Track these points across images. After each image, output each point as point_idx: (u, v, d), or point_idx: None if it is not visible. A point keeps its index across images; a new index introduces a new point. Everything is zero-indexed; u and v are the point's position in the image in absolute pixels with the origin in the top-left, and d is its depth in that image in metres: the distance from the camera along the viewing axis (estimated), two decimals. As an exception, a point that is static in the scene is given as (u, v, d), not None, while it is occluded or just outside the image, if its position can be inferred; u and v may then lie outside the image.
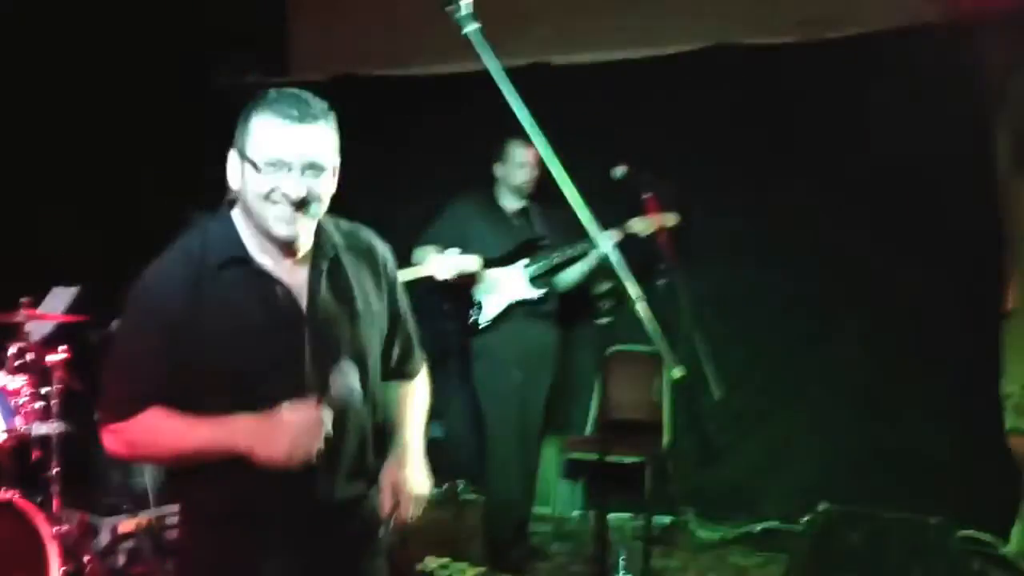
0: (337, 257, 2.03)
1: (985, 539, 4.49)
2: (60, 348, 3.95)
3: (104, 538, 4.27)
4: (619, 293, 2.39)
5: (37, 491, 3.84)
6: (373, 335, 2.06)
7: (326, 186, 1.93)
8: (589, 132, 4.79)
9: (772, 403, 4.97)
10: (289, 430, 1.83)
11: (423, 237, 4.44)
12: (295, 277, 1.98)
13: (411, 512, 2.09)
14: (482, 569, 4.39)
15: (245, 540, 1.96)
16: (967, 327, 4.66)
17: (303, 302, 1.97)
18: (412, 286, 4.22)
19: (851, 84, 4.75)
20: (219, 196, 4.29)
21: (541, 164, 4.32)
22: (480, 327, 4.42)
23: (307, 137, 1.87)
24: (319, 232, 2.00)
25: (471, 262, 4.30)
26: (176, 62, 5.59)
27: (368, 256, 2.10)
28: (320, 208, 1.94)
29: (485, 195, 4.59)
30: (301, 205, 1.88)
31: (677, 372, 2.25)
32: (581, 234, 2.50)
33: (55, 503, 3.93)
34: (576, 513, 5.25)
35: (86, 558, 3.90)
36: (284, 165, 1.86)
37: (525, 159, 4.46)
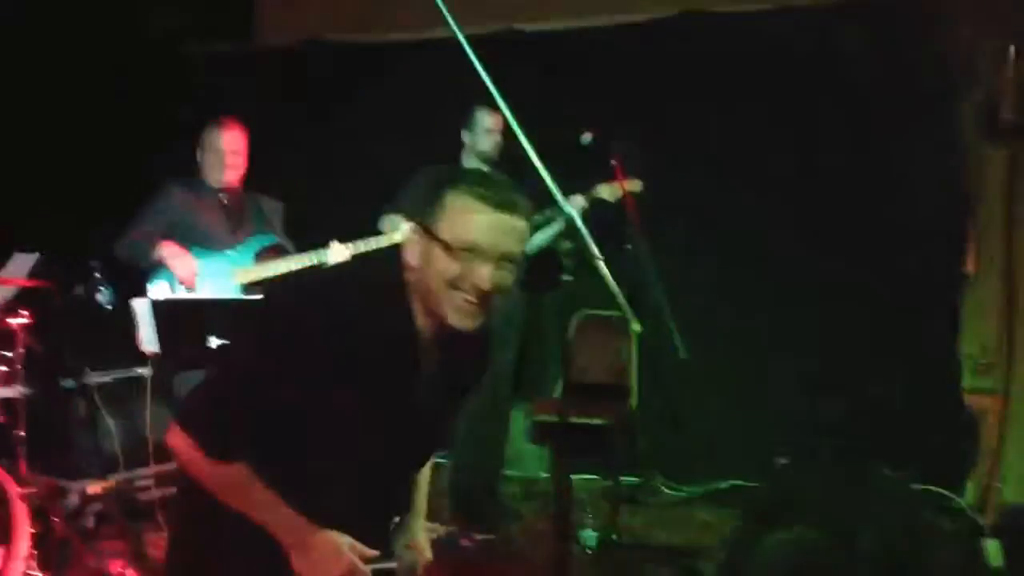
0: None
1: (942, 493, 4.61)
2: (21, 312, 3.92)
3: (73, 500, 4.24)
4: (580, 253, 2.39)
5: (4, 454, 3.82)
6: None
7: (512, 279, 1.81)
8: (558, 99, 4.79)
9: (736, 364, 5.03)
10: (337, 566, 1.75)
11: (391, 204, 4.40)
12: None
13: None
14: (452, 528, 4.47)
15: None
16: (929, 289, 4.75)
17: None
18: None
19: (818, 51, 4.78)
20: (183, 161, 4.29)
21: (508, 131, 4.35)
22: None
23: (511, 228, 1.75)
24: None
25: None
26: (142, 26, 5.51)
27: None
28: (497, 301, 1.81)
29: (454, 164, 4.57)
30: (486, 300, 1.77)
31: (636, 325, 2.28)
32: (549, 200, 2.51)
33: (22, 466, 3.92)
34: (545, 475, 5.30)
35: (54, 520, 3.90)
36: (474, 254, 1.73)
37: (491, 125, 4.45)
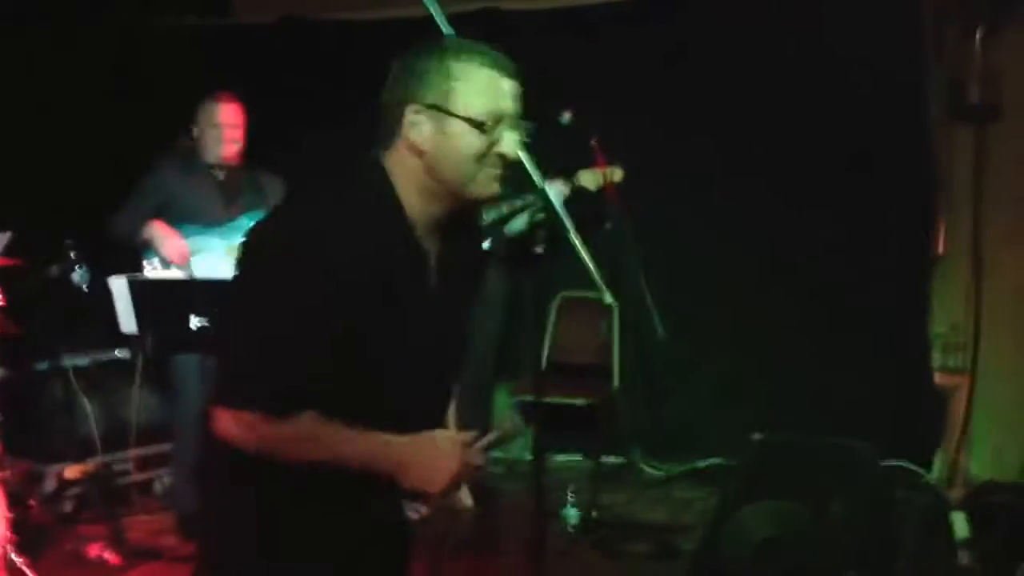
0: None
1: (911, 469, 4.72)
2: (-5, 292, 3.85)
3: (49, 484, 4.21)
4: (555, 228, 2.37)
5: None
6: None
7: None
8: (537, 78, 4.76)
9: (715, 345, 5.07)
10: (450, 461, 1.68)
11: None
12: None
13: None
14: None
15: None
16: (900, 268, 4.83)
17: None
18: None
19: (791, 25, 4.79)
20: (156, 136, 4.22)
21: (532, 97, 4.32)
22: None
23: (518, 91, 1.73)
24: None
25: None
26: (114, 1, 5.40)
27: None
28: None
29: None
30: (509, 165, 1.73)
31: (608, 298, 2.29)
32: (528, 183, 2.49)
33: (-2, 448, 3.87)
34: (528, 455, 5.30)
35: (31, 504, 3.87)
36: (499, 121, 1.69)
37: None
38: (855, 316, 4.83)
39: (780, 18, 4.80)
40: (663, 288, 4.75)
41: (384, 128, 1.74)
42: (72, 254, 4.06)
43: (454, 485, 1.71)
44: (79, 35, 5.18)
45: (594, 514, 4.19)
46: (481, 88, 1.68)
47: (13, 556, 3.45)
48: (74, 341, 4.46)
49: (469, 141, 1.68)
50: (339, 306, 1.62)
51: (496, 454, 5.00)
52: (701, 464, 5.04)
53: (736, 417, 4.78)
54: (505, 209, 4.41)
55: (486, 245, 4.44)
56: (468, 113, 1.67)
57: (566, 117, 4.32)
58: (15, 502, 3.64)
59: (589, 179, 4.43)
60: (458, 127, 1.68)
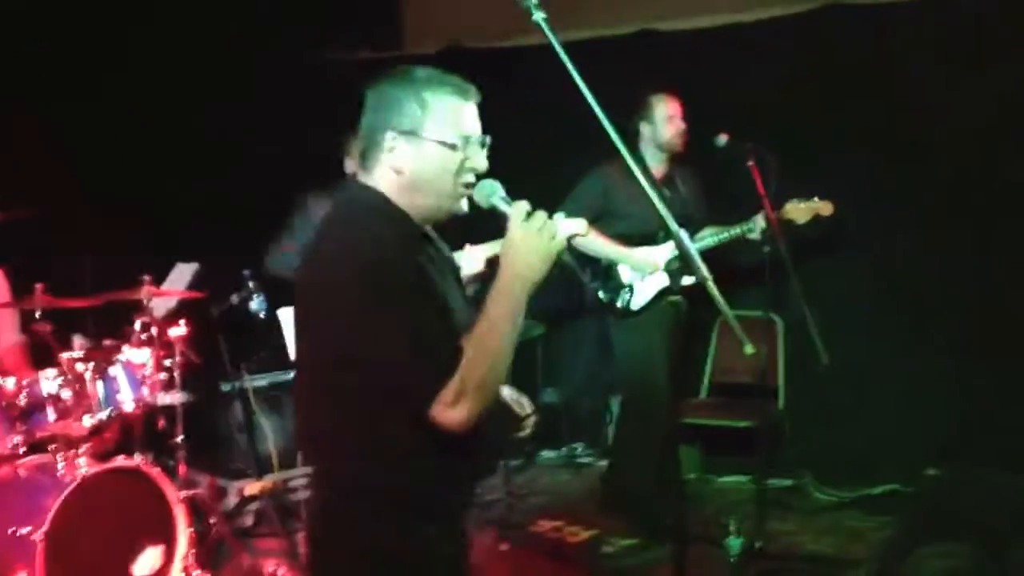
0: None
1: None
2: (181, 322, 4.13)
3: (231, 500, 4.49)
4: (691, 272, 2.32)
5: (164, 457, 4.06)
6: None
7: None
8: (694, 99, 4.69)
9: (890, 368, 4.86)
10: (528, 243, 1.86)
11: (564, 205, 4.23)
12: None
13: None
14: (595, 531, 4.47)
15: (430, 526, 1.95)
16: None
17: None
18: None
19: (962, 45, 4.54)
20: (329, 172, 4.40)
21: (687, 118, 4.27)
22: (632, 312, 4.44)
23: (478, 113, 1.97)
24: None
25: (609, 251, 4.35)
26: (291, 38, 5.66)
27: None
28: None
29: (623, 163, 4.49)
30: (478, 180, 1.96)
31: (749, 349, 2.19)
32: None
33: (181, 468, 4.15)
34: (692, 476, 5.22)
35: (213, 519, 4.11)
36: (467, 141, 1.93)
37: (671, 112, 4.38)
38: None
39: (951, 31, 4.57)
40: (838, 308, 4.63)
41: (364, 153, 1.98)
42: (250, 284, 4.34)
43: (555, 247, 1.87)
44: (258, 73, 5.47)
45: (758, 544, 4.03)
46: (449, 114, 1.93)
47: (195, 569, 3.69)
48: (253, 364, 4.71)
49: (443, 161, 1.93)
50: (424, 297, 1.86)
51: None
52: (875, 491, 4.80)
53: (913, 443, 4.61)
54: (710, 241, 4.37)
55: (665, 283, 4.43)
56: (441, 137, 1.92)
57: (722, 140, 4.22)
58: (198, 517, 3.91)
59: (796, 213, 4.27)
60: (432, 149, 1.92)
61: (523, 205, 1.90)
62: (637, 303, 4.43)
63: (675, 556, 2.31)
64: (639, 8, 5.20)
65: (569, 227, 1.91)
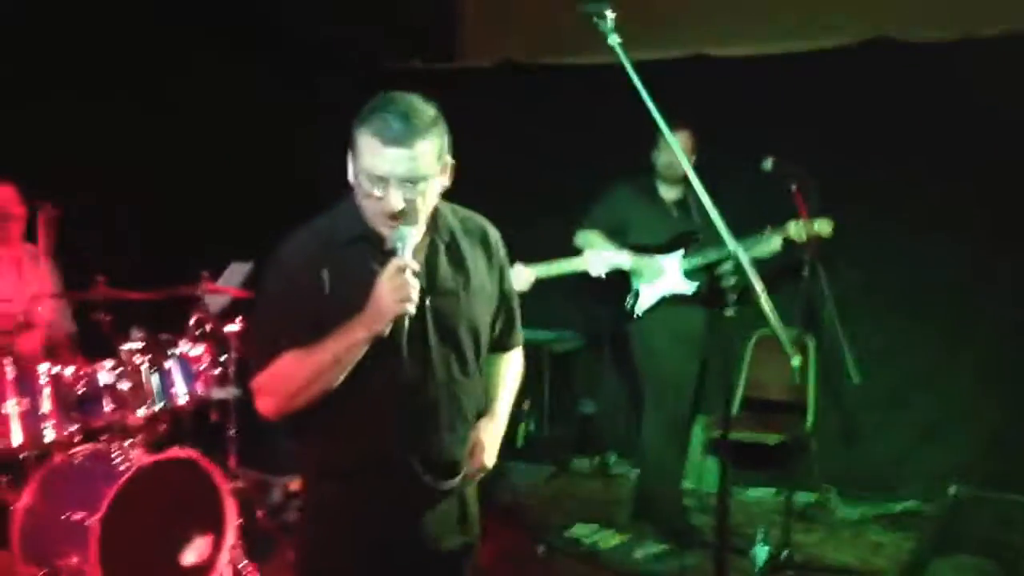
0: (454, 238, 2.18)
1: None
2: (236, 319, 4.24)
3: (276, 495, 4.57)
4: (744, 287, 2.41)
5: (216, 450, 4.11)
6: (484, 309, 2.22)
7: (427, 194, 2.05)
8: (742, 123, 4.80)
9: (914, 387, 4.97)
10: (383, 293, 1.99)
11: (585, 219, 4.63)
12: (416, 256, 2.09)
13: (477, 468, 2.22)
14: (626, 536, 4.55)
15: (369, 492, 2.13)
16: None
17: (423, 277, 2.08)
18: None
19: (1009, 83, 4.61)
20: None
21: (695, 150, 4.40)
22: (636, 315, 4.61)
23: (404, 157, 1.97)
24: (436, 216, 2.15)
25: (624, 259, 4.50)
26: (349, 47, 5.77)
27: (482, 240, 2.24)
28: (418, 216, 2.05)
29: (646, 181, 4.67)
30: (398, 216, 2.01)
31: (796, 360, 2.28)
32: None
33: (232, 461, 4.26)
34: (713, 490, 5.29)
35: (259, 513, 4.21)
36: (382, 181, 1.99)
37: (665, 143, 4.49)
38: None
39: (998, 69, 4.65)
40: (864, 328, 4.70)
41: None
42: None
43: (401, 301, 1.98)
44: (319, 82, 5.58)
45: (784, 554, 4.11)
46: (369, 154, 1.99)
47: (242, 560, 3.79)
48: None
49: (366, 187, 2.02)
50: (292, 296, 2.09)
51: (688, 485, 5.02)
52: (896, 507, 4.91)
53: (934, 461, 4.72)
54: (713, 255, 4.44)
55: (690, 289, 4.52)
56: (361, 166, 2.02)
57: (768, 163, 4.30)
58: (245, 510, 3.99)
59: (795, 231, 4.36)
60: (360, 173, 2.03)
61: (398, 262, 1.99)
62: (641, 307, 4.60)
63: (715, 563, 2.38)
64: (695, 33, 5.31)
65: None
